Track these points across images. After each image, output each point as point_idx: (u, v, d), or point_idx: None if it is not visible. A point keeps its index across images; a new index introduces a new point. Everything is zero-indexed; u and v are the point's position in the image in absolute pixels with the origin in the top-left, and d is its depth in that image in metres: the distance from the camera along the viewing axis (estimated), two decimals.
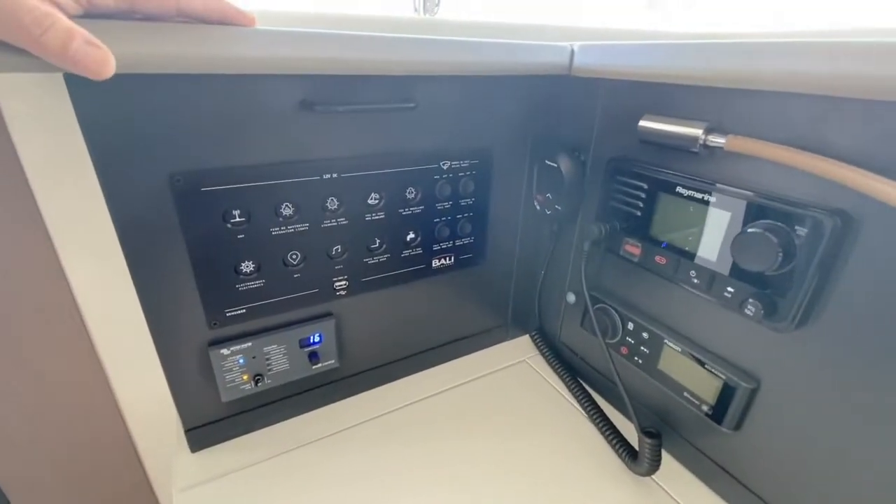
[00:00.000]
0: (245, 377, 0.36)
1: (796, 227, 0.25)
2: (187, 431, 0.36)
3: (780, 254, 0.25)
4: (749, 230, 0.26)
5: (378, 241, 0.38)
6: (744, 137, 0.27)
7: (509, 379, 0.47)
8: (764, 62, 0.24)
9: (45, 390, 0.43)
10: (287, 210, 0.33)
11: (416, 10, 0.61)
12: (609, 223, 0.37)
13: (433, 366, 0.48)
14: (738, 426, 0.32)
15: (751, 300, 0.28)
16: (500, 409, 0.43)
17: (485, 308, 0.49)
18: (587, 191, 0.40)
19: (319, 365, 0.39)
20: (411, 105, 0.34)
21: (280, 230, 0.33)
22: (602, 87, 0.37)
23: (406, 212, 0.38)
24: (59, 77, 0.26)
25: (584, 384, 0.45)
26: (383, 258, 0.39)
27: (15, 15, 0.18)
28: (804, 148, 0.24)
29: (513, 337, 0.53)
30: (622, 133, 0.35)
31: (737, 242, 0.27)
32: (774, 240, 0.25)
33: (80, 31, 0.19)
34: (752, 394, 0.30)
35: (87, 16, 0.21)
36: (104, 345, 0.43)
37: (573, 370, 0.46)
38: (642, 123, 0.32)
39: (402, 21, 0.47)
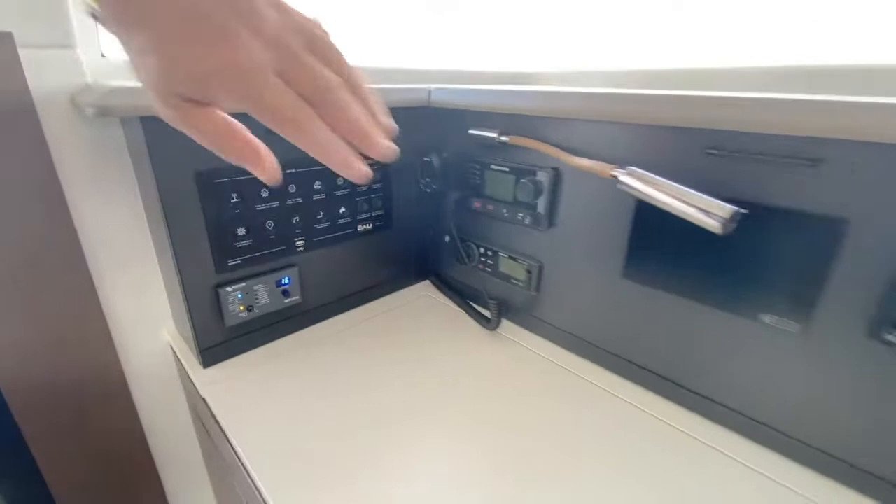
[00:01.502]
0: (241, 308, 0.54)
1: (538, 177, 0.53)
2: (201, 351, 0.53)
3: (531, 191, 0.53)
4: (521, 181, 0.54)
5: (322, 213, 0.59)
6: (517, 136, 0.54)
7: (417, 306, 0.70)
8: (523, 101, 0.52)
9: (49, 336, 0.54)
10: (265, 194, 0.52)
11: None
12: (463, 191, 0.62)
13: (367, 302, 0.69)
14: (537, 289, 0.59)
15: (528, 217, 0.55)
16: (412, 322, 0.65)
17: (399, 259, 0.72)
18: (449, 174, 0.65)
19: (289, 300, 0.58)
20: None
21: (261, 207, 0.52)
22: (449, 111, 0.62)
23: (338, 193, 0.59)
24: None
25: (462, 298, 0.70)
26: (326, 224, 0.59)
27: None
28: (541, 140, 0.51)
29: (419, 280, 0.76)
30: (463, 137, 0.61)
31: (518, 188, 0.54)
32: (531, 185, 0.53)
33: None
34: (540, 269, 0.58)
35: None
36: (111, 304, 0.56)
37: (457, 291, 0.71)
38: (470, 132, 0.58)
39: None
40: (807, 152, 0.35)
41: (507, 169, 0.56)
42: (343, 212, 0.61)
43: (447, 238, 0.68)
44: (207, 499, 0.75)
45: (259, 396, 0.49)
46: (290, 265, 0.57)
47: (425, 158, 0.65)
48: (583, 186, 0.50)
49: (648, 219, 0.45)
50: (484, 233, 0.64)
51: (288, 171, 0.53)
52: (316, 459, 0.41)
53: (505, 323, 0.64)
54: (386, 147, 0.26)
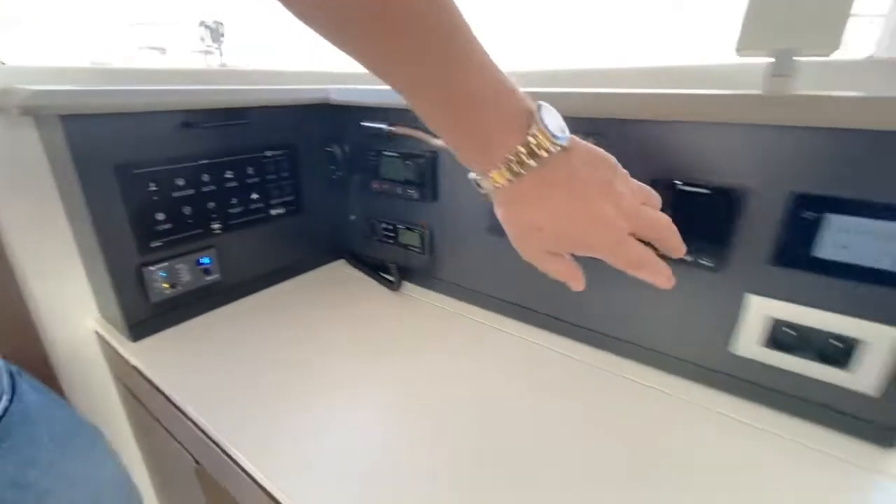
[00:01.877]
0: (165, 285, 0.60)
1: (421, 161, 0.65)
2: (130, 327, 0.58)
3: (417, 171, 0.65)
4: (406, 162, 0.66)
5: (235, 199, 0.66)
6: (399, 126, 0.65)
7: (332, 280, 0.79)
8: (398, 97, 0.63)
9: None
10: (180, 182, 0.59)
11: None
12: (364, 175, 0.73)
13: (287, 279, 0.77)
14: (431, 252, 0.71)
15: (416, 193, 0.67)
16: (327, 293, 0.75)
17: (313, 240, 0.80)
18: (352, 161, 0.76)
19: (210, 277, 0.65)
20: (245, 121, 0.64)
21: (177, 194, 0.59)
22: (347, 108, 0.72)
23: (250, 181, 0.67)
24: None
25: (372, 269, 0.80)
26: (240, 209, 0.67)
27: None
28: (416, 128, 0.64)
29: (334, 259, 0.86)
30: (357, 129, 0.71)
31: (406, 170, 0.66)
32: (414, 166, 0.65)
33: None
34: (431, 235, 0.70)
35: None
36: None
37: (368, 265, 0.81)
38: (363, 124, 0.69)
39: (215, 72, 0.75)
40: (584, 128, 0.50)
41: (396, 154, 0.68)
42: (256, 198, 0.69)
43: (352, 217, 0.78)
44: (140, 476, 0.79)
45: (187, 361, 0.56)
46: (209, 246, 0.64)
47: (328, 149, 0.75)
48: (456, 165, 0.63)
49: None
50: (385, 210, 0.75)
51: (201, 161, 0.61)
52: (248, 402, 0.50)
53: (409, 285, 0.76)
54: (684, 251, 0.37)
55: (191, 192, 0.61)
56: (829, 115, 0.38)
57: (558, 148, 0.29)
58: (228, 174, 0.64)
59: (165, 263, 0.60)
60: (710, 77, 0.74)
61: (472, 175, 0.34)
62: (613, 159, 0.33)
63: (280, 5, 0.25)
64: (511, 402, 0.50)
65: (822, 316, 0.42)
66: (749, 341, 0.47)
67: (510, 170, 0.29)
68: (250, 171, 0.67)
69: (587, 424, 0.46)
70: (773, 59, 0.46)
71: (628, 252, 0.32)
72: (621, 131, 0.49)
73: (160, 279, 0.60)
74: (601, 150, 0.33)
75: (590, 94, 0.50)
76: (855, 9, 0.40)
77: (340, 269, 0.83)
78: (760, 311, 0.45)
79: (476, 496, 0.38)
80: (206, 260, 0.64)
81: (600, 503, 0.38)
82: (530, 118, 0.29)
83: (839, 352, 0.42)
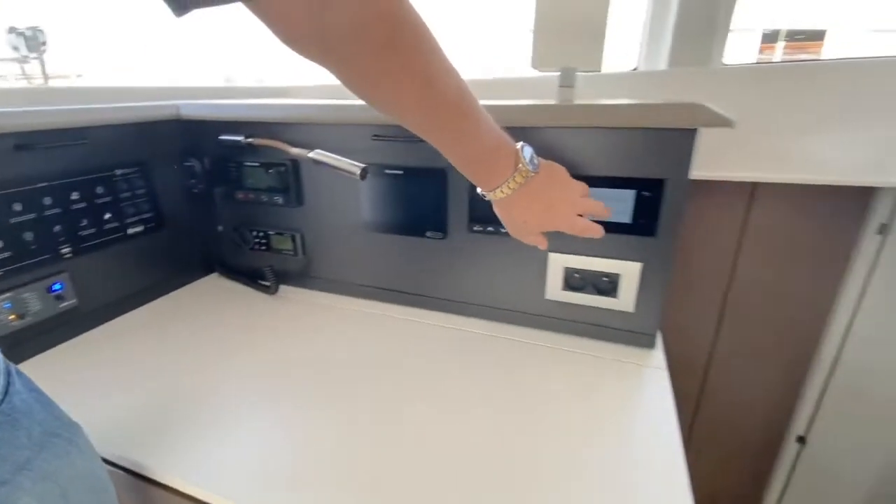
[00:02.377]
0: (12, 317, 0.57)
1: (283, 169, 0.70)
2: None
3: (280, 179, 0.70)
4: (269, 171, 0.70)
5: (86, 221, 0.64)
6: (258, 138, 0.70)
7: (207, 294, 0.80)
8: (254, 112, 0.68)
9: None
10: (17, 207, 0.57)
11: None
12: (228, 186, 0.76)
13: (156, 299, 0.76)
14: (304, 253, 0.77)
15: (282, 199, 0.72)
16: (202, 307, 0.76)
17: (180, 256, 0.80)
18: (213, 174, 0.77)
19: (64, 304, 0.63)
20: (85, 141, 0.63)
21: (15, 220, 0.56)
22: (202, 122, 0.74)
23: (100, 201, 0.66)
24: None
25: (248, 277, 0.83)
26: (92, 231, 0.65)
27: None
28: (273, 138, 0.69)
29: (206, 273, 0.86)
30: (216, 143, 0.74)
31: (269, 178, 0.71)
32: (277, 174, 0.70)
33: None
34: (302, 237, 0.76)
35: None
36: None
37: (243, 274, 0.84)
38: (221, 137, 0.72)
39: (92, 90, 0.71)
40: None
41: (258, 164, 0.72)
42: (109, 217, 0.67)
43: (220, 228, 0.80)
44: None
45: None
46: (60, 271, 0.62)
47: (186, 163, 0.76)
48: (317, 169, 0.70)
49: (371, 186, 0.68)
50: (253, 218, 0.78)
51: (40, 184, 0.59)
52: (118, 437, 0.51)
53: (287, 288, 0.80)
54: (609, 215, 0.54)
55: (31, 216, 0.58)
56: (592, 118, 0.54)
57: (533, 173, 0.46)
58: (75, 195, 0.63)
59: (9, 293, 0.57)
60: (525, 86, 0.91)
61: (479, 191, 0.49)
62: (564, 169, 0.51)
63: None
64: (390, 366, 0.58)
65: (594, 261, 0.59)
66: (554, 287, 0.62)
67: (505, 190, 0.46)
68: (100, 190, 0.66)
69: (452, 369, 0.57)
70: (559, 74, 0.62)
71: (577, 226, 0.51)
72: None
73: (5, 311, 0.56)
74: (558, 166, 0.50)
75: None
76: (633, 32, 0.57)
77: (214, 282, 0.84)
78: (557, 263, 0.61)
79: (370, 431, 0.46)
80: (57, 286, 0.62)
81: (469, 415, 0.49)
82: (517, 155, 0.45)
83: (608, 285, 0.59)
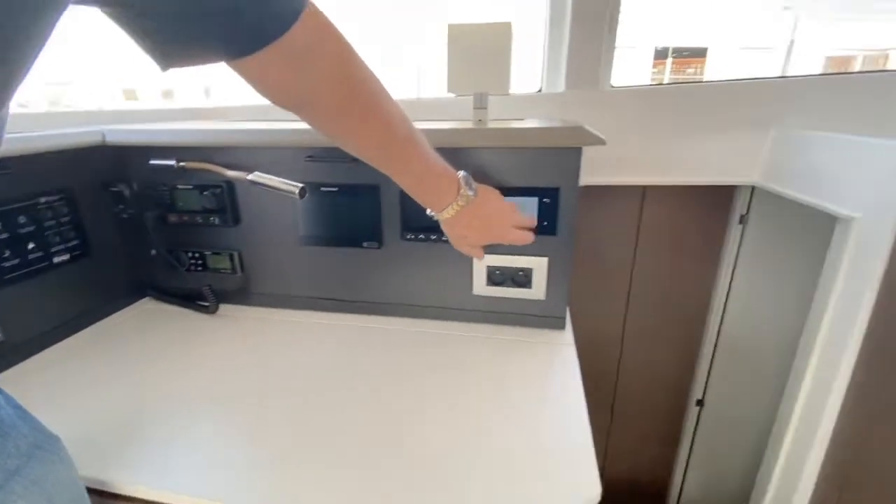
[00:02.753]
0: None
1: (218, 191, 0.73)
2: None
3: (215, 200, 0.73)
4: (203, 193, 0.73)
5: (8, 252, 0.63)
6: (191, 161, 0.72)
7: (140, 319, 0.80)
8: (185, 137, 0.70)
9: None
10: None
11: None
12: (159, 210, 0.77)
13: (87, 327, 0.74)
14: (243, 270, 0.79)
15: (218, 219, 0.75)
16: (138, 332, 0.76)
17: (111, 282, 0.79)
18: (142, 198, 0.78)
19: None
20: (7, 171, 0.62)
21: None
22: (128, 148, 0.75)
23: (23, 231, 0.65)
24: None
25: (185, 299, 0.83)
26: (15, 262, 0.64)
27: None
28: (207, 161, 0.71)
29: (138, 298, 0.85)
30: (145, 167, 0.75)
31: (204, 200, 0.73)
32: (212, 196, 0.72)
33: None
34: (240, 255, 0.78)
35: None
36: None
37: (179, 297, 0.84)
38: (151, 162, 0.73)
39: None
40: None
41: (191, 186, 0.74)
42: (32, 247, 0.66)
43: (153, 252, 0.80)
44: None
45: None
46: None
47: (114, 189, 0.76)
48: (253, 189, 0.74)
49: (308, 202, 0.72)
50: (187, 240, 0.79)
51: None
52: None
53: (227, 306, 0.82)
54: (535, 224, 0.65)
55: None
56: (502, 141, 0.64)
57: (472, 196, 0.55)
58: None
59: None
60: (445, 105, 1.00)
61: (428, 211, 0.57)
62: (497, 192, 0.60)
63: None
64: (332, 368, 0.64)
65: (511, 258, 0.69)
66: (480, 284, 0.71)
67: (450, 211, 0.55)
68: (22, 220, 0.64)
69: (397, 362, 0.64)
70: (472, 97, 0.71)
71: (511, 237, 0.61)
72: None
73: None
74: (492, 189, 0.59)
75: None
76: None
77: (148, 306, 0.84)
78: (481, 263, 0.70)
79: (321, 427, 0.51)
80: None
81: (394, 404, 0.55)
82: (458, 182, 0.54)
83: (524, 278, 0.69)
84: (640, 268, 1.23)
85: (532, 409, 0.54)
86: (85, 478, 0.45)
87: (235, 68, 0.37)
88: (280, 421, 0.53)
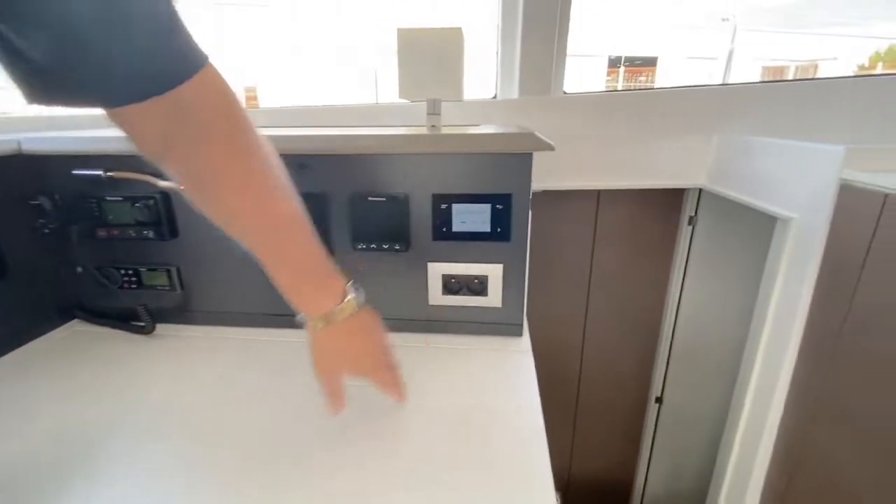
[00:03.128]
0: None
1: (151, 202, 0.68)
2: None
3: (149, 212, 0.67)
4: (137, 205, 0.68)
5: None
6: (120, 171, 0.67)
7: (67, 344, 0.73)
8: (114, 144, 0.65)
9: None
10: None
11: None
12: (85, 224, 0.70)
13: (6, 353, 0.67)
14: (182, 287, 0.74)
15: (152, 232, 0.69)
16: (64, 358, 0.69)
17: (30, 305, 0.71)
18: (66, 211, 0.71)
19: None
20: None
21: None
22: (47, 157, 0.68)
23: None
24: None
25: (116, 319, 0.77)
26: None
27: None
28: (139, 171, 0.66)
29: (65, 320, 0.77)
30: (68, 178, 0.68)
31: (136, 212, 0.68)
32: (146, 208, 0.67)
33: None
34: (178, 271, 0.73)
35: None
36: None
37: (110, 317, 0.77)
38: (74, 172, 0.67)
39: None
40: (295, 161, 0.64)
41: (121, 198, 0.69)
42: None
43: (79, 269, 0.74)
44: None
45: None
46: None
47: (33, 202, 0.69)
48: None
49: None
50: (119, 256, 0.73)
51: None
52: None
53: (165, 326, 0.76)
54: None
55: None
56: (454, 146, 0.62)
57: (358, 309, 0.47)
58: None
59: None
60: (399, 110, 0.98)
61: (297, 317, 0.48)
62: (380, 319, 0.51)
63: None
64: (280, 384, 0.60)
65: (466, 266, 0.67)
66: (436, 293, 0.69)
67: (328, 319, 0.46)
68: None
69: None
70: (426, 102, 0.69)
71: (385, 378, 0.53)
72: (325, 163, 0.65)
73: None
74: (376, 314, 0.51)
75: (299, 135, 0.64)
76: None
77: (77, 328, 0.77)
78: (436, 271, 0.68)
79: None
80: None
81: (365, 412, 0.52)
82: (345, 289, 0.47)
83: (479, 286, 0.68)
84: (598, 271, 1.25)
85: (486, 416, 0.53)
86: None
87: (110, 115, 0.35)
88: (222, 446, 0.49)
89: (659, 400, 1.38)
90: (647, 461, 1.45)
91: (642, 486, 1.48)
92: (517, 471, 0.45)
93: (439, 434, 0.51)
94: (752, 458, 0.81)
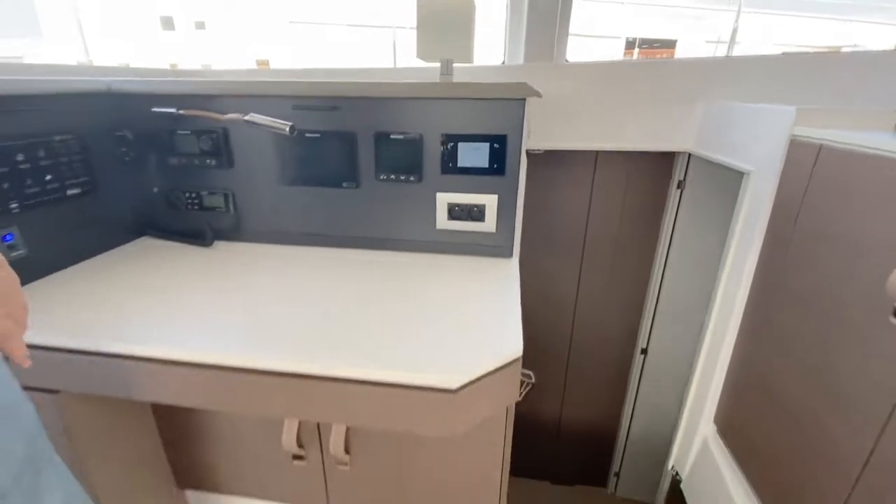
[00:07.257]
0: None
1: (214, 136, 0.83)
2: None
3: (212, 144, 0.83)
4: (202, 138, 0.83)
5: (30, 181, 0.72)
6: (189, 109, 0.82)
7: (139, 254, 0.90)
8: (184, 87, 0.80)
9: None
10: None
11: None
12: (160, 153, 0.86)
13: (93, 256, 0.84)
14: (235, 209, 0.90)
15: (214, 161, 0.85)
16: (146, 260, 0.86)
17: (115, 217, 0.88)
18: (145, 142, 0.87)
19: (15, 253, 0.70)
20: (33, 109, 0.71)
21: None
22: (132, 96, 0.84)
23: (43, 163, 0.74)
24: None
25: (181, 234, 0.93)
26: (36, 189, 0.73)
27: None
28: (204, 109, 0.81)
29: (137, 236, 0.94)
30: (147, 114, 0.84)
31: (201, 143, 0.83)
32: (209, 140, 0.83)
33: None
34: (234, 196, 0.89)
35: None
36: None
37: (180, 234, 0.94)
38: (153, 109, 0.83)
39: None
40: (329, 104, 0.79)
41: (189, 132, 0.84)
42: (49, 178, 0.76)
43: (155, 189, 0.90)
44: None
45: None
46: (11, 224, 0.70)
47: (118, 133, 0.85)
48: (245, 135, 0.84)
49: (294, 147, 0.83)
50: (186, 181, 0.89)
51: None
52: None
53: (221, 242, 0.93)
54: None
55: None
56: (460, 92, 0.76)
57: None
58: (20, 157, 0.71)
59: None
60: (416, 74, 1.12)
61: None
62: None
63: None
64: (326, 290, 0.76)
65: (467, 196, 0.81)
66: (442, 219, 0.84)
67: None
68: (42, 153, 0.74)
69: (376, 285, 0.76)
70: (439, 64, 0.83)
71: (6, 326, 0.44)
72: (354, 106, 0.79)
73: None
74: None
75: (331, 82, 0.79)
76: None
77: (146, 243, 0.93)
78: (443, 200, 0.82)
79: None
80: (9, 237, 0.69)
81: (369, 307, 0.68)
82: None
83: (478, 213, 0.82)
84: (592, 228, 1.38)
85: (477, 297, 0.68)
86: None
87: None
88: (269, 309, 0.65)
89: (644, 351, 1.52)
90: (631, 406, 1.60)
91: (627, 428, 1.63)
92: (493, 318, 0.60)
93: (439, 299, 0.66)
94: (707, 388, 0.95)
